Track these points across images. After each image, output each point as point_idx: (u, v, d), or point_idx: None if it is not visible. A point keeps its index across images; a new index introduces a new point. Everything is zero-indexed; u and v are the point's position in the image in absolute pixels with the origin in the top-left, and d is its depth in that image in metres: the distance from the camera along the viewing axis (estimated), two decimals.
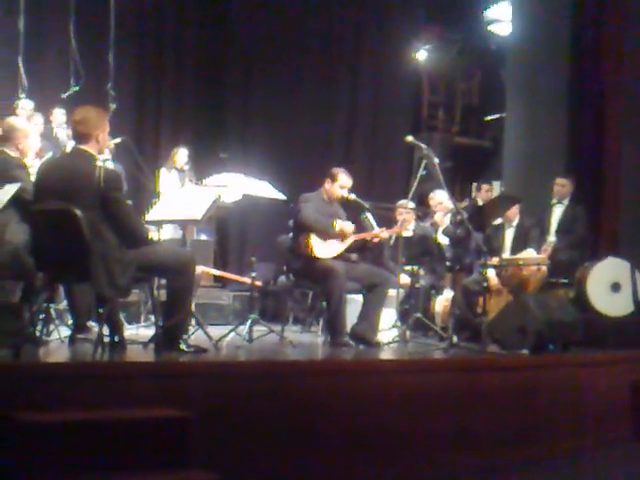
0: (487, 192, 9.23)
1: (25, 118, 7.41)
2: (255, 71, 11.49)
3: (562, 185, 7.87)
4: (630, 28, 8.41)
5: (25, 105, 8.19)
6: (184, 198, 5.53)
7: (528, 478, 5.08)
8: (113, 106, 7.80)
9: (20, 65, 7.99)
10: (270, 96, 11.29)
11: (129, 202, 5.09)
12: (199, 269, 7.42)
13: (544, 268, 6.90)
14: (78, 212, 4.36)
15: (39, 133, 7.46)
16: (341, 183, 6.30)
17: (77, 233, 4.36)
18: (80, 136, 4.70)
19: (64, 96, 8.14)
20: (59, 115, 8.75)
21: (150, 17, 11.01)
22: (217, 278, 9.13)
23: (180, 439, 3.86)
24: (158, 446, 3.81)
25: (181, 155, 9.41)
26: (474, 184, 10.81)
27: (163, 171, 9.34)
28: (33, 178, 4.97)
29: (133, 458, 3.72)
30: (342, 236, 6.16)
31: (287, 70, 11.26)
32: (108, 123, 4.86)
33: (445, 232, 7.50)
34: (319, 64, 11.32)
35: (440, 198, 7.72)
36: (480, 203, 8.87)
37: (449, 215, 7.69)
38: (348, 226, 6.20)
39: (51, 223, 4.51)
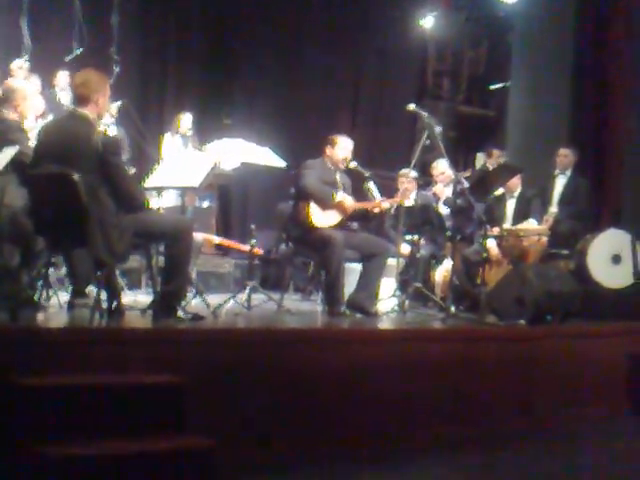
0: (498, 158, 8.94)
1: (22, 78, 7.38)
2: (261, 37, 11.39)
3: (565, 155, 7.83)
4: None
5: (20, 64, 8.13)
6: (182, 165, 5.51)
7: (525, 448, 5.10)
8: (117, 70, 7.74)
9: (24, 27, 7.93)
10: (275, 63, 11.21)
11: (129, 168, 5.09)
12: (201, 236, 7.44)
13: (545, 239, 6.89)
14: (76, 176, 4.36)
15: (37, 94, 7.44)
16: (341, 145, 6.29)
17: (75, 197, 4.35)
18: (80, 99, 4.68)
19: (67, 59, 8.08)
20: (63, 77, 8.71)
21: None
22: (218, 246, 9.13)
23: (176, 405, 3.90)
24: (155, 411, 3.85)
25: (185, 120, 9.40)
26: (478, 154, 10.74)
27: (167, 136, 9.33)
28: (33, 141, 4.95)
29: (130, 423, 3.77)
30: (341, 208, 6.15)
31: (293, 36, 11.19)
32: (109, 87, 4.84)
33: (446, 202, 7.47)
34: (325, 30, 11.23)
35: (442, 168, 7.69)
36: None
37: (451, 185, 7.65)
38: (348, 200, 6.18)
39: (49, 187, 4.50)
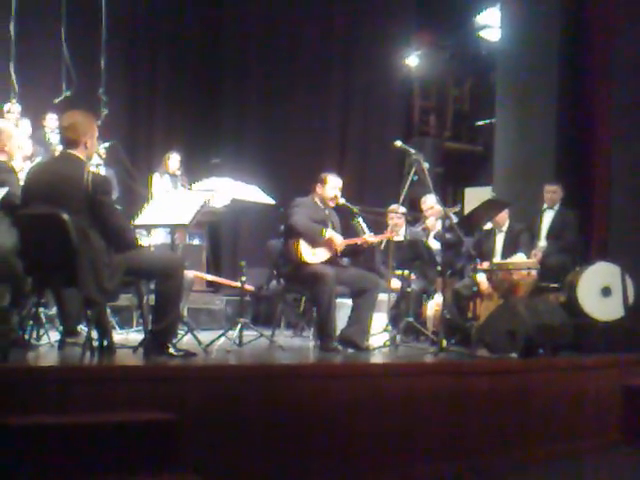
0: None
1: (13, 121, 7.43)
2: (249, 77, 11.53)
3: (553, 191, 7.88)
4: (620, 31, 8.43)
5: (14, 109, 8.22)
6: (172, 203, 5.53)
7: None
8: (105, 111, 7.77)
9: (11, 71, 7.97)
10: (263, 102, 11.33)
11: (118, 207, 5.09)
12: (191, 274, 7.44)
13: (534, 272, 6.92)
14: (66, 216, 4.37)
15: (27, 137, 7.48)
16: (331, 184, 6.35)
17: (65, 237, 4.37)
18: (68, 142, 4.70)
19: (56, 101, 8.12)
20: (52, 120, 8.80)
21: (142, 21, 11.05)
22: (210, 283, 9.13)
23: (168, 442, 3.86)
24: (147, 449, 3.81)
25: (173, 160, 9.43)
26: (467, 189, 10.81)
27: (156, 176, 9.36)
28: (22, 182, 4.96)
29: (122, 461, 3.73)
30: (330, 245, 6.17)
31: (280, 76, 11.30)
32: (97, 128, 4.86)
33: (436, 237, 7.51)
34: (312, 70, 11.36)
35: (431, 202, 7.74)
36: None
37: (440, 220, 7.69)
38: (337, 237, 6.21)
39: (39, 227, 4.51)
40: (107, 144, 6.68)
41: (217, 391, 4.28)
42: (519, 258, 7.12)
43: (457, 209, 8.86)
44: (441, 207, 7.06)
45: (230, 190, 6.73)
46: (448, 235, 6.61)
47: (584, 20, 8.82)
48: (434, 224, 7.70)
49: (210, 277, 8.88)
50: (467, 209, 9.54)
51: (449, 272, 7.00)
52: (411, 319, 6.61)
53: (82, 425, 3.73)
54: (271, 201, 7.28)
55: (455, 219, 6.74)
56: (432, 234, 7.67)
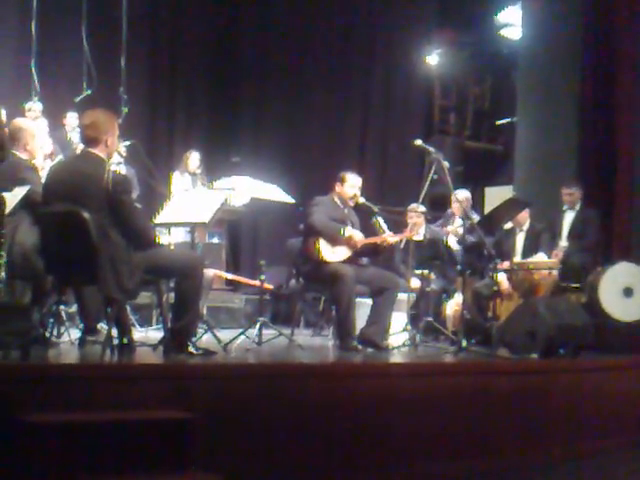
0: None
1: (32, 120, 7.47)
2: (268, 76, 11.52)
3: (570, 194, 7.81)
4: None
5: (35, 107, 8.26)
6: (192, 201, 5.55)
7: None
8: (125, 110, 7.81)
9: (33, 69, 8.03)
10: (283, 101, 11.33)
11: (138, 205, 5.11)
12: (211, 272, 7.45)
13: (555, 272, 6.88)
14: (86, 215, 4.39)
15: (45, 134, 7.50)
16: (351, 183, 6.34)
17: (85, 236, 4.38)
18: (89, 140, 4.70)
19: (77, 100, 8.17)
20: (72, 119, 8.82)
21: (162, 21, 11.07)
22: (229, 281, 9.15)
23: (186, 441, 3.86)
24: (164, 447, 3.81)
25: (193, 159, 9.45)
26: (487, 189, 10.77)
27: (176, 174, 9.39)
28: (44, 180, 4.99)
29: (139, 459, 3.73)
30: (350, 243, 6.16)
31: (300, 75, 11.30)
32: (118, 127, 4.87)
33: (459, 242, 7.47)
34: (331, 69, 11.35)
35: (465, 195, 7.79)
36: None
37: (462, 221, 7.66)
38: (357, 234, 6.20)
39: (59, 225, 4.53)
40: (127, 143, 6.70)
41: (236, 390, 4.28)
42: (540, 258, 7.08)
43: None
44: (462, 208, 7.04)
45: (250, 189, 6.74)
46: (469, 236, 6.58)
47: (607, 17, 8.74)
48: (455, 230, 7.67)
49: (230, 276, 8.89)
50: (487, 208, 9.55)
51: (469, 271, 6.97)
52: (431, 319, 6.61)
53: (99, 423, 3.74)
54: (290, 200, 7.29)
55: (475, 219, 6.71)
56: (455, 237, 7.62)
